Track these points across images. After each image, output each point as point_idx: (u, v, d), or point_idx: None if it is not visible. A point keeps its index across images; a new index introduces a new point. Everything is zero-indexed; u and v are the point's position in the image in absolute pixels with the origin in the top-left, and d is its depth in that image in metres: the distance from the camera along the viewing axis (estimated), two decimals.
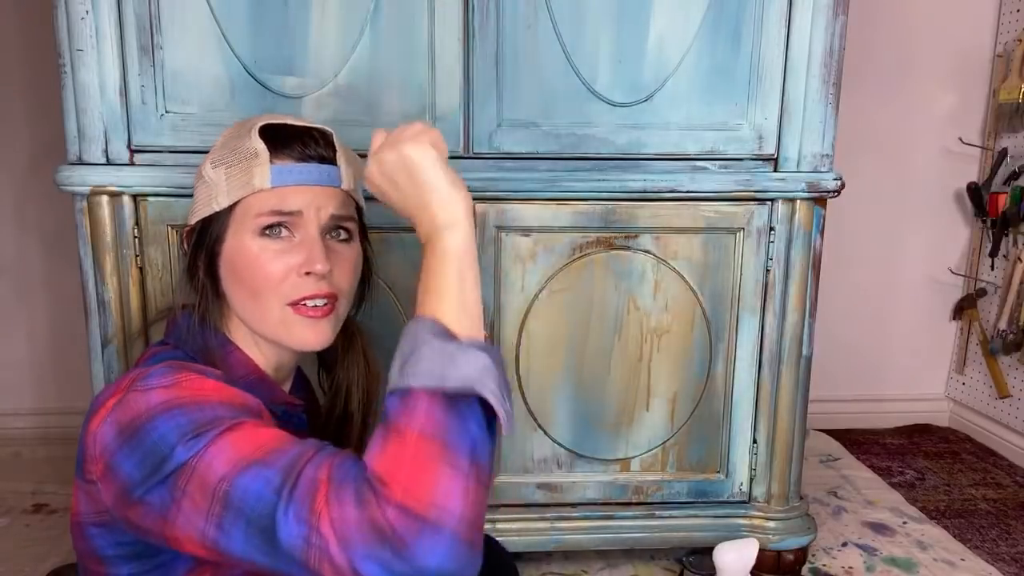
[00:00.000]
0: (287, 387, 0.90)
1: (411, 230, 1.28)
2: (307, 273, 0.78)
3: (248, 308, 0.80)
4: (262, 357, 0.83)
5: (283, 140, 0.80)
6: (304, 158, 0.80)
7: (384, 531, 0.56)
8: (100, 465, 0.69)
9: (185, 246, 0.85)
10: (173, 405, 0.67)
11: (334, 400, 0.95)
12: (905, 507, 1.78)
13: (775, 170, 1.32)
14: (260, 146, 0.79)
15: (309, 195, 0.80)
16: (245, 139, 0.80)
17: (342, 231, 0.83)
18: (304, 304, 0.79)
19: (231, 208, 0.80)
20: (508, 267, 1.31)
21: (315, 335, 0.80)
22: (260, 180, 0.78)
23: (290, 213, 0.79)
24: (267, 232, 0.79)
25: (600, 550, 1.49)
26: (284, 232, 0.79)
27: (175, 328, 0.83)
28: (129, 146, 1.21)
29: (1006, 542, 1.65)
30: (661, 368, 1.38)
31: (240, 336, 0.83)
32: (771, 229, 1.34)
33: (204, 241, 0.81)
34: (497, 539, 1.32)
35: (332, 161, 0.82)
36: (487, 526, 1.37)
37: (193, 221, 0.83)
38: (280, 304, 0.79)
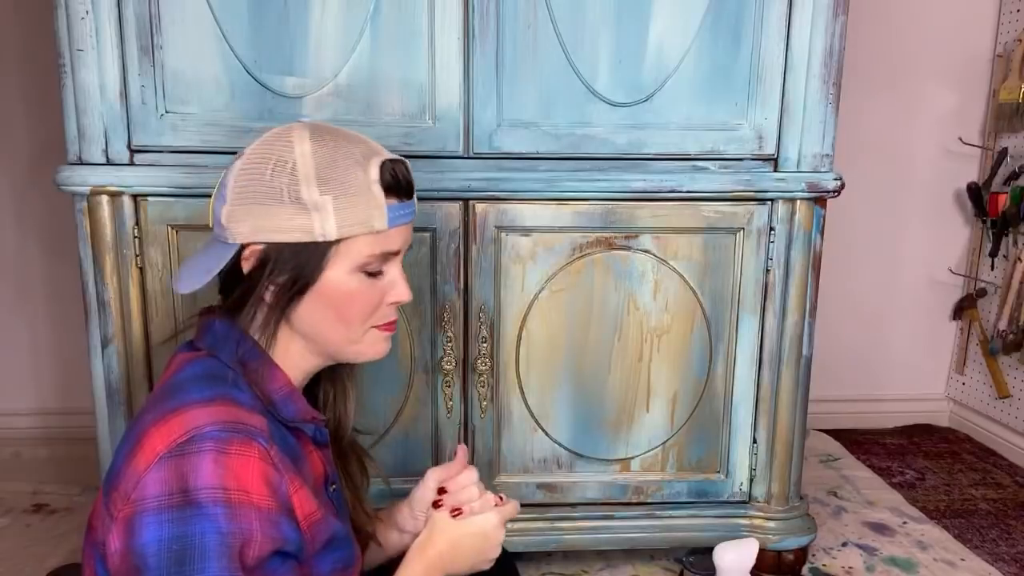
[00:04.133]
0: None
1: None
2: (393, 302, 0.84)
3: (326, 331, 0.81)
4: (295, 371, 0.83)
5: (395, 179, 0.81)
6: (407, 196, 0.83)
7: None
8: (128, 510, 0.68)
9: (255, 264, 0.78)
10: (220, 498, 0.67)
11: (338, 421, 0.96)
12: (905, 507, 1.78)
13: (775, 170, 1.32)
14: (378, 187, 0.79)
15: (406, 233, 0.84)
16: (358, 172, 0.78)
17: None
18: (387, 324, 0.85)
19: (335, 241, 0.77)
20: (508, 267, 1.31)
21: (386, 347, 0.86)
22: (379, 222, 0.79)
23: (394, 253, 0.82)
24: (369, 270, 0.80)
25: (600, 550, 1.49)
26: (381, 268, 0.82)
27: (210, 334, 0.81)
28: (129, 146, 1.21)
29: (1006, 542, 1.65)
30: (661, 368, 1.38)
31: (278, 349, 0.82)
32: (771, 229, 1.34)
33: (293, 267, 0.78)
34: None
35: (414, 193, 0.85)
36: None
37: (274, 239, 0.77)
38: (366, 328, 0.83)
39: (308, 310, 0.79)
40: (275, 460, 0.71)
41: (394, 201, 0.80)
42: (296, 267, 0.78)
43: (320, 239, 0.77)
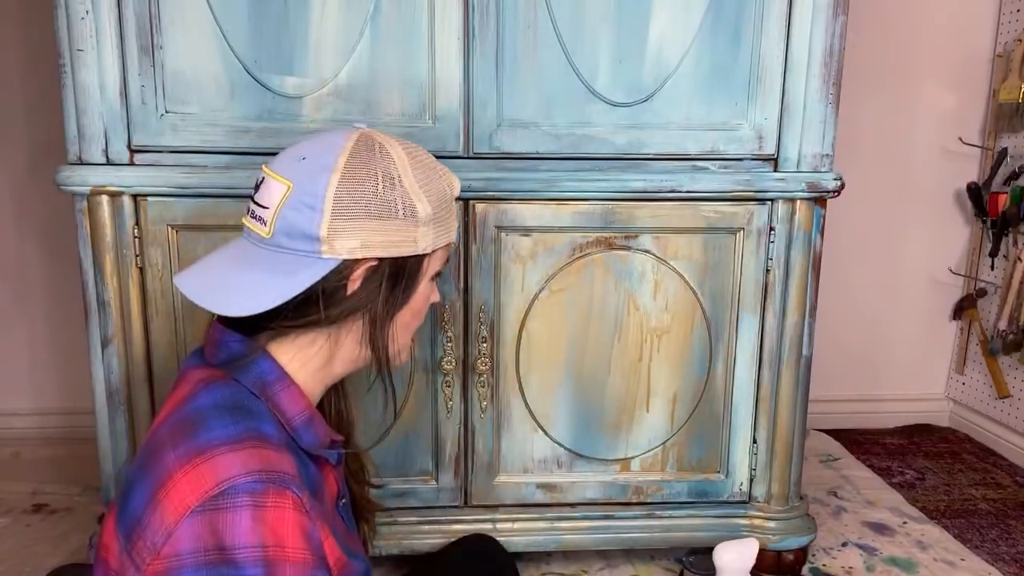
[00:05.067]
0: None
1: None
2: None
3: (395, 345, 0.84)
4: (313, 387, 0.82)
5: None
6: None
7: None
8: (159, 566, 0.65)
9: (363, 280, 0.78)
10: (259, 557, 0.65)
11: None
12: (905, 507, 1.78)
13: (775, 170, 1.32)
14: (455, 202, 0.86)
15: None
16: (445, 186, 0.84)
17: None
18: None
19: (428, 253, 0.82)
20: (508, 267, 1.31)
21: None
22: (455, 233, 0.87)
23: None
24: (434, 277, 0.86)
25: (600, 550, 1.49)
26: None
27: (225, 350, 0.78)
28: (129, 146, 1.21)
29: (1006, 542, 1.65)
30: (661, 368, 1.38)
31: (295, 367, 0.80)
32: (771, 229, 1.34)
33: (399, 280, 0.80)
34: (497, 539, 1.32)
35: None
36: (487, 526, 1.37)
37: (386, 254, 0.78)
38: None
39: (395, 325, 0.82)
40: (308, 508, 0.69)
41: None
42: (400, 281, 0.80)
43: (422, 252, 0.80)
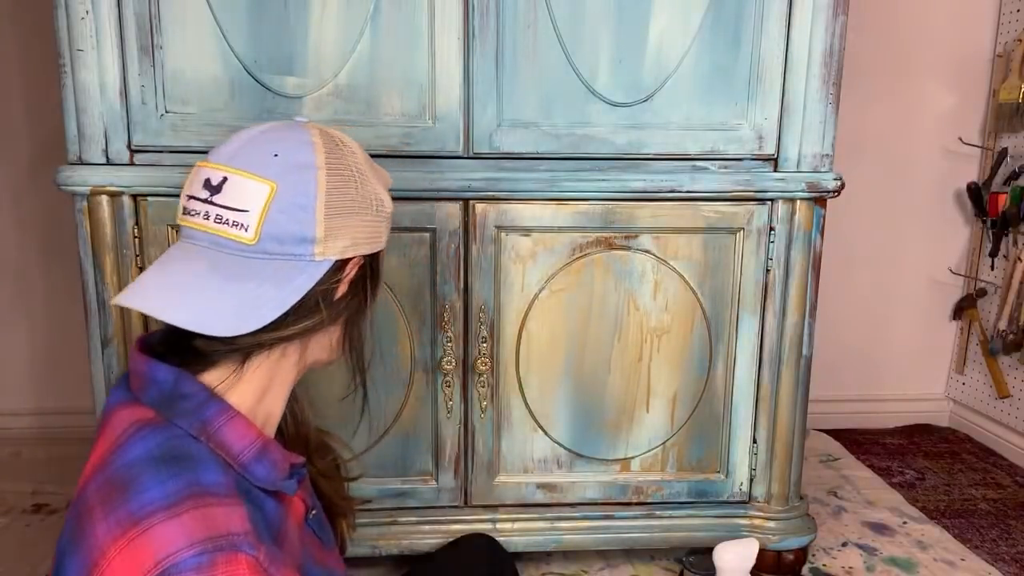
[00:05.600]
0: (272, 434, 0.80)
1: (410, 230, 1.29)
2: None
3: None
4: (271, 408, 0.75)
5: None
6: None
7: None
8: None
9: (353, 279, 0.76)
10: None
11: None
12: (905, 507, 1.78)
13: (775, 170, 1.32)
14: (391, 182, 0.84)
15: None
16: (384, 175, 0.82)
17: None
18: None
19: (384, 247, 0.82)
20: (508, 267, 1.31)
21: None
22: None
23: None
24: None
25: (600, 550, 1.49)
26: None
27: (151, 386, 0.68)
28: (129, 146, 1.21)
29: (1006, 542, 1.65)
30: (661, 368, 1.38)
31: (242, 392, 0.72)
32: (771, 229, 1.34)
33: (374, 276, 0.80)
34: (497, 539, 1.32)
35: None
36: (487, 526, 1.37)
37: (369, 251, 0.76)
38: None
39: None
40: (265, 562, 0.61)
41: None
42: (375, 276, 0.79)
43: (384, 246, 0.80)
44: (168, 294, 0.67)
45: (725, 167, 1.32)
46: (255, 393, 0.73)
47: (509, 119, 1.27)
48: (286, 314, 0.69)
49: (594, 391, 1.38)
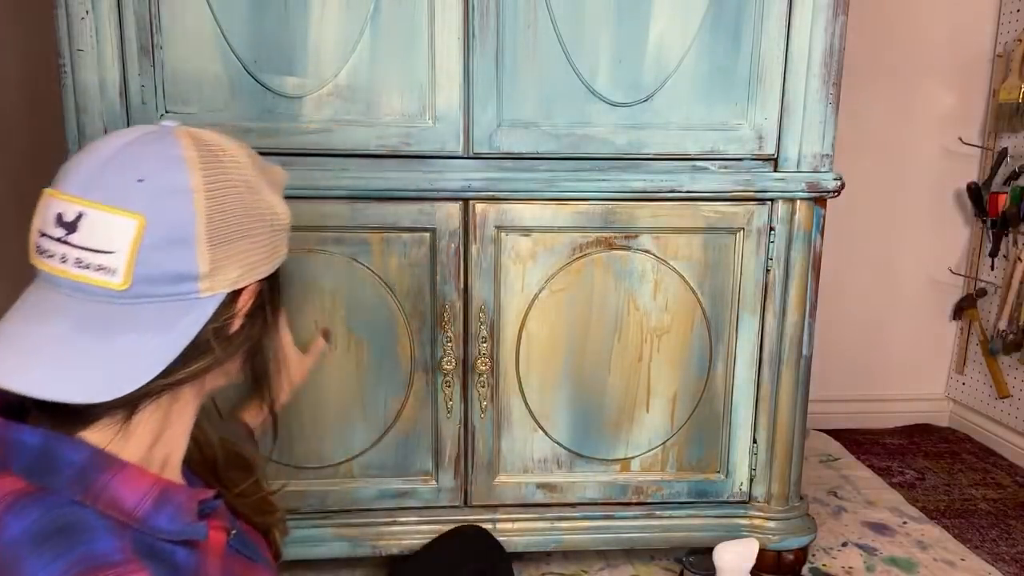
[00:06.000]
0: (178, 469, 0.72)
1: (410, 230, 1.29)
2: None
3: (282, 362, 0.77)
4: (164, 454, 0.67)
5: None
6: None
7: None
8: None
9: (248, 309, 0.67)
10: None
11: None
12: (905, 507, 1.78)
13: (775, 170, 1.32)
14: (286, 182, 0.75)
15: None
16: (277, 175, 0.72)
17: None
18: None
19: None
20: (508, 267, 1.31)
21: None
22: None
23: None
24: None
25: (600, 550, 1.49)
26: None
27: (19, 452, 0.58)
28: None
29: (1006, 542, 1.65)
30: (661, 368, 1.38)
31: (134, 440, 0.63)
32: (771, 229, 1.34)
33: (274, 299, 0.71)
34: (493, 535, 1.32)
35: None
36: (487, 526, 1.37)
37: (264, 273, 0.67)
38: None
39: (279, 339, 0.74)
40: None
41: None
42: (277, 296, 0.71)
43: (283, 259, 0.70)
44: (22, 359, 0.57)
45: (725, 167, 1.32)
46: (147, 440, 0.64)
47: (509, 119, 1.27)
48: (174, 360, 0.60)
49: (594, 391, 1.38)
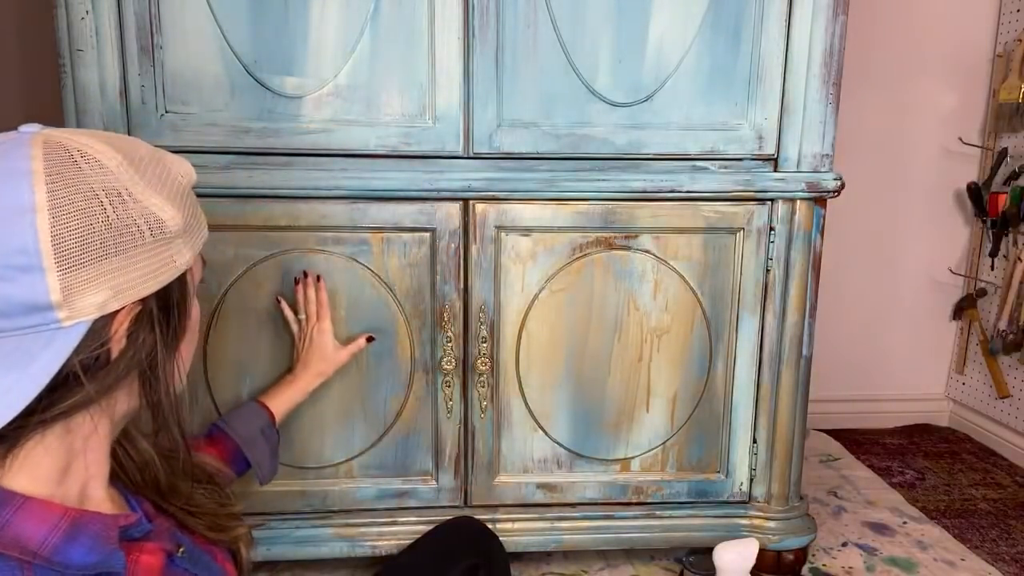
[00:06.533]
0: (105, 495, 0.67)
1: (410, 230, 1.29)
2: None
3: (176, 378, 0.67)
4: (80, 483, 0.63)
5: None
6: None
7: None
8: None
9: (127, 334, 0.60)
10: None
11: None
12: (905, 507, 1.78)
13: (775, 170, 1.32)
14: (191, 189, 0.67)
15: None
16: (176, 175, 0.65)
17: None
18: None
19: (189, 266, 0.65)
20: (508, 267, 1.31)
21: None
22: (205, 229, 0.69)
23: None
24: (200, 284, 0.71)
25: (600, 550, 1.49)
26: None
27: None
28: None
29: (1006, 542, 1.65)
30: (661, 368, 1.38)
31: (27, 478, 0.59)
32: (771, 229, 1.34)
33: (169, 318, 0.63)
34: (487, 526, 1.32)
35: None
36: (487, 526, 1.37)
37: (145, 292, 0.60)
38: None
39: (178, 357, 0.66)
40: None
41: None
42: (173, 309, 0.64)
43: (183, 269, 0.63)
44: None
45: (725, 167, 1.32)
46: (50, 474, 0.60)
47: (509, 119, 1.27)
48: (38, 397, 0.55)
49: (594, 391, 1.38)
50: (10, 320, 0.54)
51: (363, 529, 1.37)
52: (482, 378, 1.34)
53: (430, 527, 1.33)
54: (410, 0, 1.22)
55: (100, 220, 0.57)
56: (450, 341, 1.31)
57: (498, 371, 1.35)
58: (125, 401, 0.64)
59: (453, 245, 1.29)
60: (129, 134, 1.20)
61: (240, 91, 1.22)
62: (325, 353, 1.22)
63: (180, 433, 0.69)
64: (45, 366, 0.55)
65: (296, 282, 1.25)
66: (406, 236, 1.28)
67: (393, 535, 1.37)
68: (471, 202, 1.28)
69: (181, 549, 0.70)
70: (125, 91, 1.19)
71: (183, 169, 0.67)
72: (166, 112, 1.21)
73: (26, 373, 0.54)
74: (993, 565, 1.55)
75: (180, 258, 0.63)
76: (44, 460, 0.59)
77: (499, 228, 1.29)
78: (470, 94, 1.26)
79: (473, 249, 1.29)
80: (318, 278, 1.25)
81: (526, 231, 1.31)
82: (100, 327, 0.58)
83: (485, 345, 1.33)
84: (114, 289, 0.57)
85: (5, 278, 0.53)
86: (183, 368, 0.68)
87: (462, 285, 1.31)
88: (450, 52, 1.24)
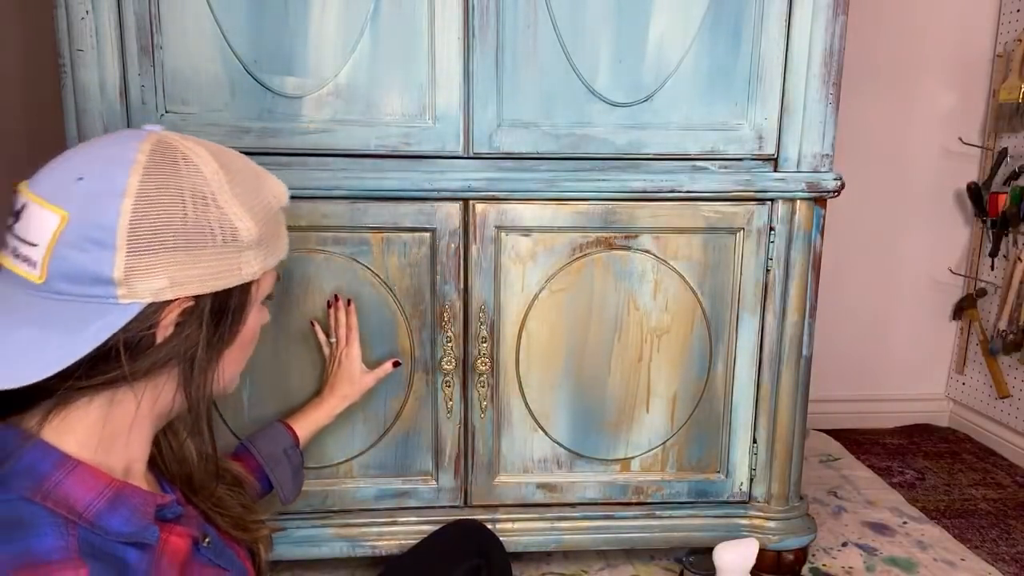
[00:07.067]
0: (143, 477, 0.72)
1: (410, 230, 1.29)
2: None
3: (221, 382, 0.72)
4: (125, 459, 0.68)
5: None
6: None
7: None
8: None
9: (176, 323, 0.64)
10: None
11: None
12: (905, 507, 1.78)
13: (775, 170, 1.32)
14: (282, 213, 0.73)
15: None
16: (270, 198, 0.71)
17: None
18: None
19: (256, 280, 0.70)
20: (508, 267, 1.31)
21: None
22: (285, 250, 0.74)
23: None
24: (267, 300, 0.75)
25: (600, 550, 1.49)
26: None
27: None
28: None
29: (1006, 542, 1.65)
30: (661, 368, 1.38)
31: (90, 440, 0.64)
32: (771, 229, 1.34)
33: (222, 319, 0.67)
34: (489, 528, 1.32)
35: None
36: (488, 526, 1.37)
37: (203, 290, 0.64)
38: None
39: (224, 361, 0.70)
40: None
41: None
42: (224, 317, 0.67)
43: (248, 279, 0.68)
44: None
45: (725, 167, 1.32)
46: (96, 442, 0.64)
47: (509, 119, 1.27)
48: (78, 363, 0.59)
49: (594, 391, 1.38)
50: (78, 287, 0.60)
51: (363, 529, 1.37)
52: (482, 378, 1.34)
53: (430, 527, 1.33)
54: (410, 0, 1.22)
55: (178, 217, 0.62)
56: (450, 341, 1.31)
57: (498, 371, 1.35)
58: (169, 392, 0.68)
59: (453, 245, 1.29)
60: None
61: (240, 91, 1.22)
62: (352, 376, 1.23)
63: (210, 434, 0.73)
64: (94, 335, 0.59)
65: (328, 305, 1.26)
66: (406, 236, 1.28)
67: (393, 535, 1.37)
68: (471, 202, 1.28)
69: (207, 539, 0.74)
70: (125, 91, 1.19)
71: (277, 191, 0.73)
72: (166, 112, 1.21)
73: (77, 337, 0.59)
74: (993, 565, 1.55)
75: (247, 268, 0.67)
76: (89, 428, 0.63)
77: (499, 228, 1.29)
78: (470, 94, 1.26)
79: (473, 249, 1.29)
80: (348, 302, 1.26)
81: (526, 231, 1.31)
82: (151, 312, 0.62)
83: (485, 345, 1.33)
84: (172, 280, 0.62)
85: (82, 248, 0.59)
86: (227, 375, 0.72)
87: (462, 285, 1.31)
88: (450, 52, 1.24)
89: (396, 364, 1.28)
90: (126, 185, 0.61)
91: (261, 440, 1.14)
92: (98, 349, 0.60)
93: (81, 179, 0.61)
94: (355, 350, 1.24)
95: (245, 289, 0.69)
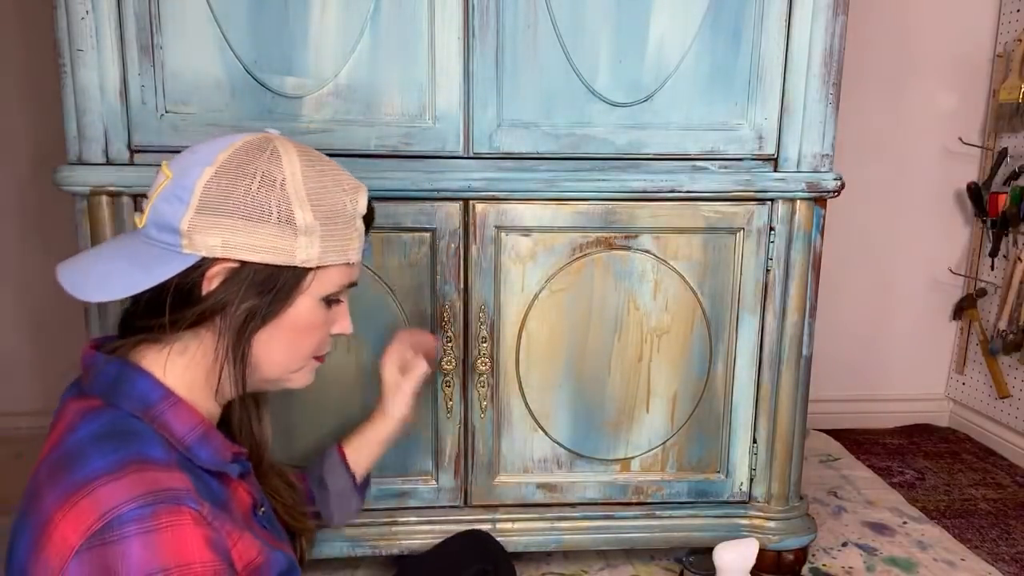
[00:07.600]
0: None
1: (410, 230, 1.29)
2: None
3: (268, 362, 0.78)
4: (203, 402, 0.77)
5: (371, 215, 0.83)
6: (367, 232, 0.84)
7: None
8: None
9: (220, 283, 0.73)
10: None
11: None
12: (905, 507, 1.78)
13: (775, 170, 1.32)
14: (361, 221, 0.80)
15: (359, 267, 0.84)
16: (346, 201, 0.78)
17: None
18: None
19: (311, 269, 0.76)
20: (508, 267, 1.31)
21: (313, 378, 0.85)
22: (355, 255, 0.80)
23: (353, 284, 0.82)
24: (330, 301, 0.80)
25: (600, 550, 1.49)
26: (340, 299, 0.82)
27: (100, 377, 0.73)
28: (129, 146, 1.21)
29: (1006, 542, 1.65)
30: (661, 368, 1.38)
31: (176, 381, 0.75)
32: (771, 229, 1.34)
33: (265, 291, 0.74)
34: (496, 539, 1.32)
35: None
36: (487, 526, 1.37)
37: (249, 258, 0.73)
38: (308, 359, 0.82)
39: (262, 339, 0.76)
40: (209, 518, 0.65)
41: (363, 236, 0.82)
42: (269, 291, 0.74)
43: (300, 264, 0.74)
44: (82, 262, 0.74)
45: (725, 167, 1.32)
46: (184, 381, 0.75)
47: (509, 119, 1.27)
48: (161, 303, 0.72)
49: (594, 391, 1.38)
50: (159, 233, 0.72)
51: (363, 529, 1.37)
52: (482, 378, 1.34)
53: (430, 527, 1.34)
54: (410, 0, 1.22)
55: (243, 190, 0.72)
56: (450, 341, 1.31)
57: (498, 371, 1.35)
58: (211, 347, 0.75)
59: (453, 245, 1.29)
60: (129, 134, 1.21)
61: (240, 91, 1.22)
62: (401, 401, 1.16)
63: (254, 408, 0.86)
64: (157, 275, 0.71)
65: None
66: (406, 236, 1.28)
67: (393, 535, 1.37)
68: (471, 202, 1.28)
69: (263, 508, 0.83)
70: (125, 91, 1.19)
71: (355, 199, 0.79)
72: (166, 112, 1.21)
73: (147, 274, 0.71)
74: (993, 565, 1.55)
75: (301, 254, 0.74)
76: (178, 368, 0.75)
77: (499, 228, 1.30)
78: (470, 94, 1.26)
79: (473, 249, 1.29)
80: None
81: (526, 231, 1.31)
82: (203, 265, 0.72)
83: (485, 345, 1.33)
84: (224, 241, 0.71)
85: (169, 201, 0.71)
86: (276, 357, 0.78)
87: (462, 285, 1.31)
88: (450, 52, 1.24)
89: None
90: (215, 158, 0.73)
91: (319, 469, 1.13)
92: (157, 287, 0.71)
93: (194, 152, 0.74)
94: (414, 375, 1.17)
95: (299, 274, 0.75)
